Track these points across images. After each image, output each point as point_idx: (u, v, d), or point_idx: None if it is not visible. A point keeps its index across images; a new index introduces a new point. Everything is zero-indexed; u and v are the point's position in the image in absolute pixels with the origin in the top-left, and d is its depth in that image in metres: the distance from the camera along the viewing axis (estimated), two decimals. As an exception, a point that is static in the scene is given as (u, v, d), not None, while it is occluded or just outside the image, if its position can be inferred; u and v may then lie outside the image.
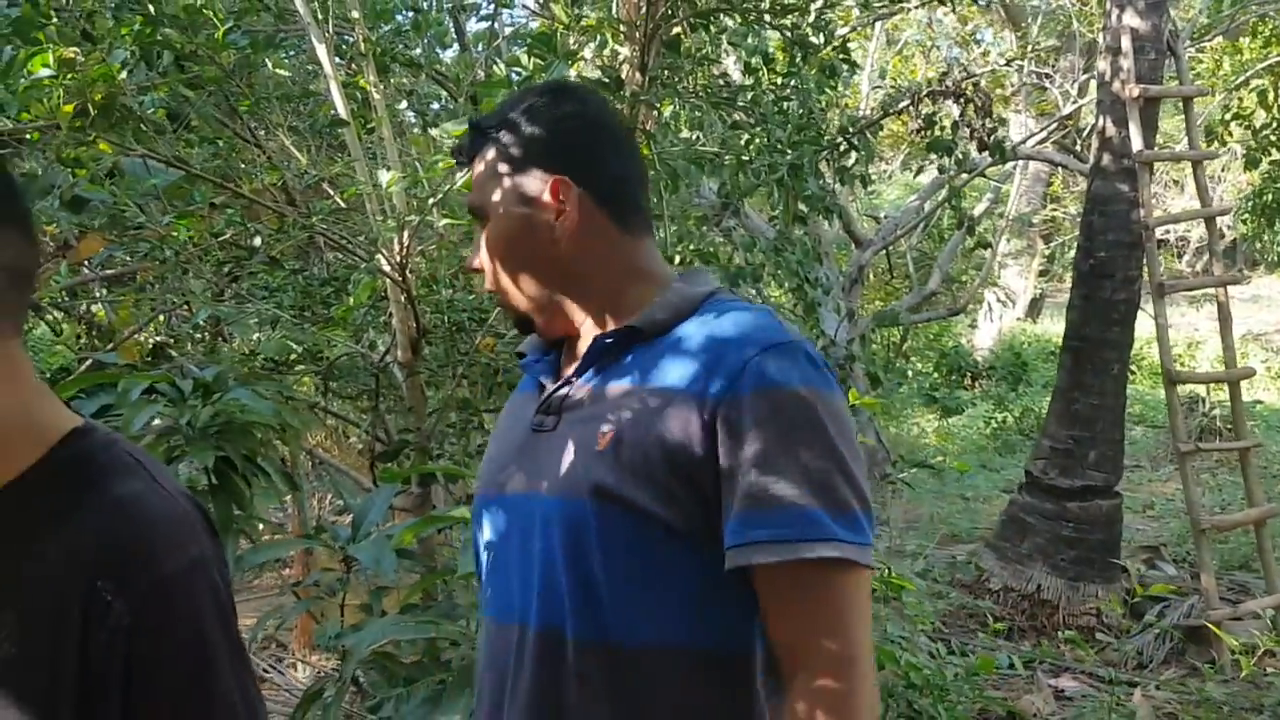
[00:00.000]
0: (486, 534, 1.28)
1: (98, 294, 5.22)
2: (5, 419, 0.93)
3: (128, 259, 3.81)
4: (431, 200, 2.77)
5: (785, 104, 4.11)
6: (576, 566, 1.13)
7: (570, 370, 1.25)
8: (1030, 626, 5.76)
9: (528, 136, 1.24)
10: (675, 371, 1.15)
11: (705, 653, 1.13)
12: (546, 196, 1.22)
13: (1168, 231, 13.70)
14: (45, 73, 2.33)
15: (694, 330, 1.19)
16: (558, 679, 1.14)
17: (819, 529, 1.06)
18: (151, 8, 2.68)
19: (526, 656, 1.17)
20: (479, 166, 1.27)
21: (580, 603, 1.12)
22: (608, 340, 1.22)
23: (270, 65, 3.29)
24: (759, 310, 1.22)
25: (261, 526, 2.58)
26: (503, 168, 1.25)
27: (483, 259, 1.28)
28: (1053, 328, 14.58)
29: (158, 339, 4.65)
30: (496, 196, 1.25)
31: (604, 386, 1.20)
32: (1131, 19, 5.52)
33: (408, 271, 2.97)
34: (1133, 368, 12.83)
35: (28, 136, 2.56)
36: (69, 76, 2.35)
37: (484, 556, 1.30)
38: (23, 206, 0.96)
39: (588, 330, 1.26)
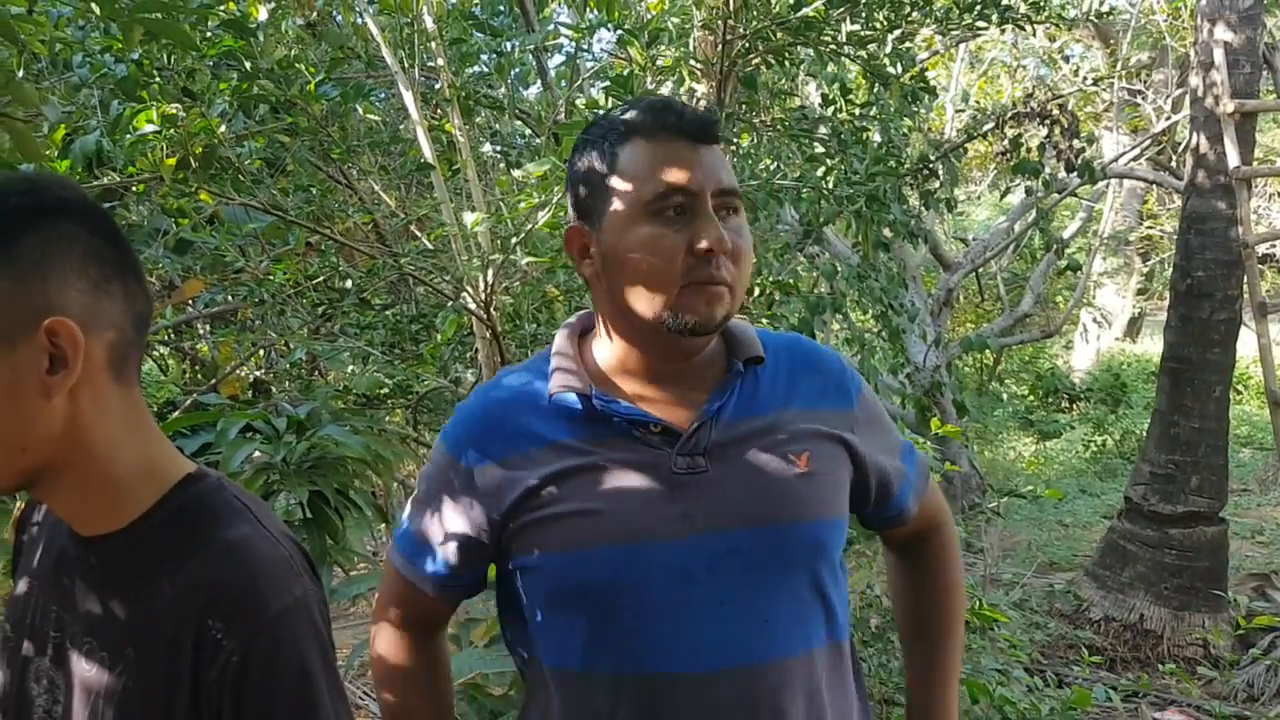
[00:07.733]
0: (622, 585, 1.15)
1: (202, 332, 5.44)
2: (132, 464, 0.99)
3: (229, 299, 3.97)
4: (515, 239, 2.84)
5: (864, 133, 4.10)
6: (814, 584, 1.20)
7: (697, 407, 1.20)
8: (1133, 658, 5.60)
9: None
10: (809, 391, 1.27)
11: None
12: None
13: (1271, 246, 13.19)
14: (149, 128, 2.46)
15: (782, 355, 1.29)
16: (811, 693, 1.19)
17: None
18: (248, 63, 2.81)
19: (769, 687, 1.15)
20: (721, 155, 1.21)
21: (824, 616, 1.22)
22: (740, 371, 1.23)
23: (361, 111, 3.42)
24: (787, 333, 1.41)
25: (356, 558, 2.65)
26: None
27: (743, 245, 1.18)
28: (1153, 347, 14.15)
29: (257, 374, 4.82)
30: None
31: (750, 415, 1.21)
32: (1224, 33, 5.38)
33: (492, 309, 3.03)
34: (1239, 387, 12.41)
35: (134, 188, 2.70)
36: (171, 131, 2.48)
37: (612, 610, 1.15)
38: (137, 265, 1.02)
39: (708, 356, 1.24)
